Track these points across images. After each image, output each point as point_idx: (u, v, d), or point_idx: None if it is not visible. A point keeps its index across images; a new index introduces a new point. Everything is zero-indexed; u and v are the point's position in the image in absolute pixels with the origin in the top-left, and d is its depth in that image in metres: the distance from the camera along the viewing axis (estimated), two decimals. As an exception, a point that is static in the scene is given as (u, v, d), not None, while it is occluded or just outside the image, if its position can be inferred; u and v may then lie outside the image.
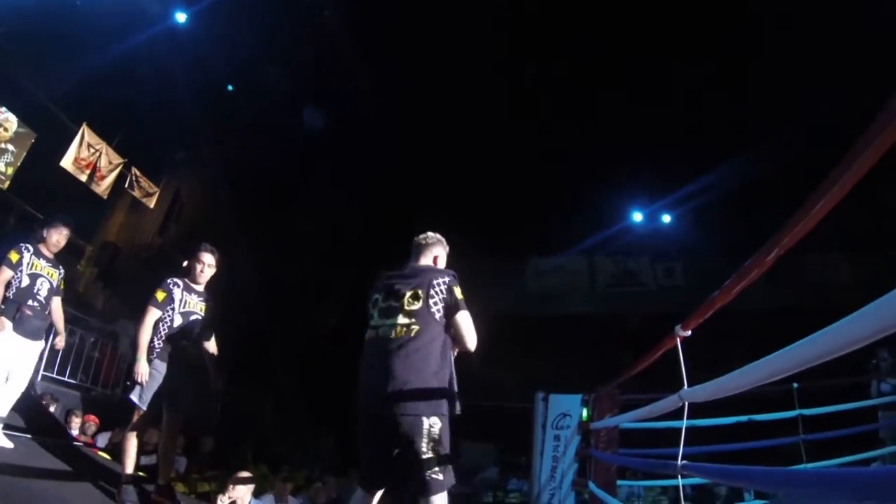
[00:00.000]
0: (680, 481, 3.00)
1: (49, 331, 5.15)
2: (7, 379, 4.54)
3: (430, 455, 2.71)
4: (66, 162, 11.30)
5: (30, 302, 4.66)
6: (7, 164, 11.03)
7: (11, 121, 10.96)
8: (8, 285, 4.60)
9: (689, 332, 2.89)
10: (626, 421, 4.87)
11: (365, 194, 14.56)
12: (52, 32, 10.32)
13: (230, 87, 13.28)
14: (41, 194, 11.06)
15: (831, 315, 1.41)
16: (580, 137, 12.57)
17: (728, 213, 12.74)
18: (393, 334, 2.94)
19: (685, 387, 2.73)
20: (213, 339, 4.54)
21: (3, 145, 10.93)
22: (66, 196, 11.09)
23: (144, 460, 6.60)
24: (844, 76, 9.41)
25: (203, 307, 4.51)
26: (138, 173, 12.92)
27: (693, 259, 14.43)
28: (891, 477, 1.33)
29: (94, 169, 11.85)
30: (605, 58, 11.29)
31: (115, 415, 5.09)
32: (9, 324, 4.50)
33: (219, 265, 4.62)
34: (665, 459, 3.04)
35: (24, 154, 11.21)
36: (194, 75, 12.21)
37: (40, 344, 4.83)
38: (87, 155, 11.65)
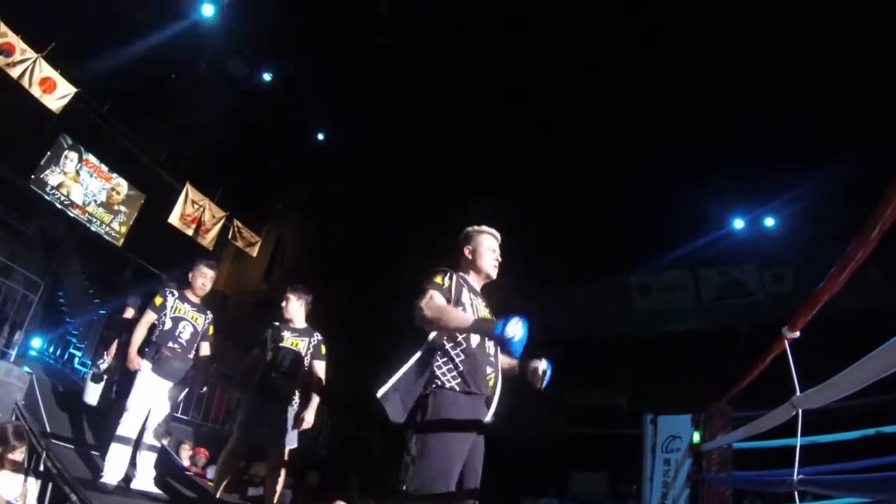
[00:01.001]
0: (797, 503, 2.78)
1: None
2: (147, 417, 4.53)
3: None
4: (174, 218, 12.33)
5: (170, 344, 4.67)
6: (121, 224, 12.28)
7: (122, 185, 12.27)
8: (152, 328, 4.69)
9: (798, 333, 2.69)
10: (738, 438, 4.56)
11: (457, 223, 14.72)
12: (152, 102, 11.49)
13: (321, 136, 13.94)
14: (152, 249, 12.08)
15: None
16: (669, 148, 12.23)
17: (837, 209, 11.86)
18: None
19: (798, 393, 2.55)
20: (305, 374, 4.59)
21: (116, 207, 12.13)
22: (174, 250, 12.01)
23: (252, 491, 6.90)
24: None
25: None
26: (240, 224, 13.81)
27: (803, 262, 13.49)
28: None
29: (199, 223, 12.81)
30: (699, 53, 10.91)
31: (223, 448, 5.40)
32: (147, 364, 4.54)
33: (304, 301, 4.75)
34: (778, 480, 2.81)
35: (136, 214, 12.39)
36: (285, 128, 13.03)
37: (180, 387, 4.78)
38: (191, 211, 12.64)
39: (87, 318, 10.13)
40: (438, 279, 2.75)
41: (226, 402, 9.86)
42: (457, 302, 2.75)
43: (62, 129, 11.17)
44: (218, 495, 4.40)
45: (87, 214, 11.76)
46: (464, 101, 12.60)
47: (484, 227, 3.05)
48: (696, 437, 6.22)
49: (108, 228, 12.12)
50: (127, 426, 4.33)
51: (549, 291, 14.35)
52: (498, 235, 3.06)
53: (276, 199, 15.26)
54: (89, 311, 10.47)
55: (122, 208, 12.35)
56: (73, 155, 11.49)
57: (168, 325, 4.70)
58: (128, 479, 4.43)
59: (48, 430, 4.78)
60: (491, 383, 2.79)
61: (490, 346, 2.81)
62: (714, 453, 5.67)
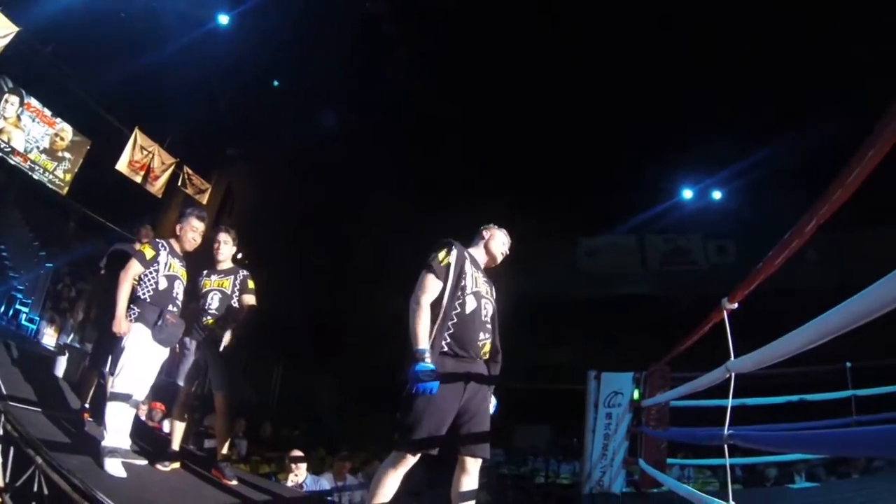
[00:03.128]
0: (727, 460, 3.07)
1: None
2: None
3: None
4: (121, 165, 11.88)
5: (171, 307, 4.16)
6: (65, 172, 11.73)
7: (67, 130, 11.66)
8: (141, 285, 4.11)
9: (736, 305, 2.93)
10: (676, 397, 4.90)
11: (416, 178, 14.69)
12: (98, 43, 10.85)
13: (276, 83, 13.59)
14: (99, 198, 11.66)
15: None
16: (628, 115, 12.43)
17: (782, 189, 12.42)
18: None
19: (732, 358, 2.80)
20: (235, 313, 4.47)
21: (60, 154, 11.60)
22: (122, 198, 11.66)
23: (208, 443, 6.97)
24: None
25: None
26: (190, 172, 13.46)
27: (746, 236, 14.13)
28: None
29: (148, 170, 12.41)
30: (658, 34, 11.12)
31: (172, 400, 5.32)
32: (144, 330, 4.01)
33: (234, 242, 4.60)
34: (712, 432, 3.09)
35: (81, 161, 11.86)
36: (239, 73, 12.59)
37: (167, 352, 4.27)
38: (140, 157, 12.22)
39: (33, 273, 9.83)
40: (442, 255, 3.07)
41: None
42: (459, 273, 3.07)
43: (2, 71, 10.40)
44: (176, 448, 4.36)
45: (28, 162, 11.08)
46: (427, 55, 12.48)
47: (503, 229, 3.48)
48: (636, 393, 6.60)
49: (51, 176, 11.49)
50: (123, 383, 3.89)
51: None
52: (509, 240, 3.49)
53: (227, 146, 14.86)
54: (35, 264, 10.16)
55: (67, 155, 11.75)
56: (14, 99, 10.73)
57: (163, 284, 4.16)
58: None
59: (3, 391, 4.47)
60: (486, 348, 3.14)
61: (485, 312, 3.14)
62: (653, 409, 6.07)
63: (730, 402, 2.87)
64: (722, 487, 7.77)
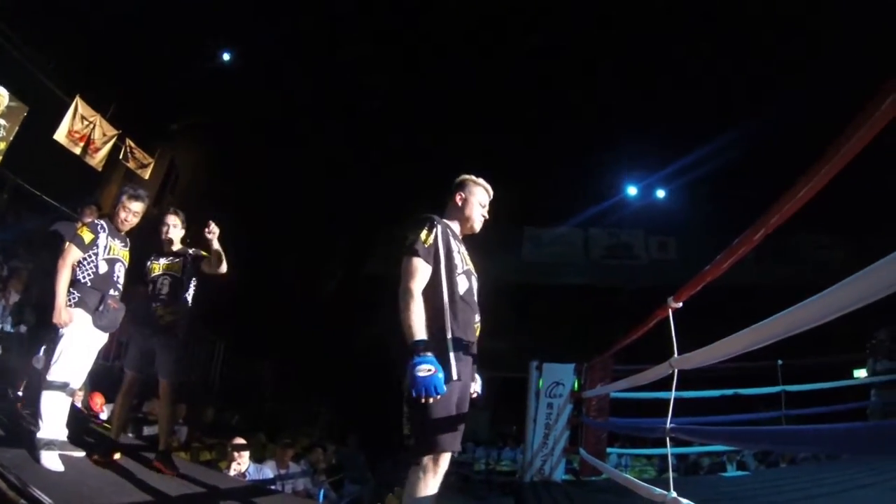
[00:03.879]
0: (669, 449, 3.18)
1: None
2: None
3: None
4: (60, 135, 11.22)
5: (112, 292, 4.01)
6: None
7: (3, 94, 10.92)
8: (81, 269, 3.92)
9: (681, 304, 3.05)
10: (618, 389, 5.05)
11: (364, 159, 14.56)
12: (41, 4, 10.28)
13: (226, 56, 13.20)
14: (34, 169, 11.05)
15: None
16: (578, 110, 12.60)
17: (722, 190, 12.93)
18: None
19: (675, 355, 2.91)
20: (186, 298, 4.40)
21: None
22: (59, 170, 11.10)
23: (147, 430, 6.78)
24: (845, 52, 9.51)
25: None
26: (133, 145, 12.90)
27: (686, 234, 14.65)
28: (861, 430, 1.48)
29: (88, 141, 11.78)
30: (604, 31, 11.29)
31: (116, 387, 4.99)
32: (84, 316, 3.83)
33: (182, 225, 4.52)
34: (654, 425, 3.21)
35: (16, 129, 11.18)
36: (188, 44, 12.15)
37: (106, 338, 4.09)
38: (80, 127, 11.58)
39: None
40: (424, 235, 2.67)
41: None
42: (448, 253, 2.71)
43: (-71, 30, 9.75)
44: (116, 437, 4.19)
45: (-42, 128, 10.46)
46: (379, 40, 12.35)
47: (480, 180, 3.04)
48: (577, 384, 6.75)
49: (-17, 144, 10.85)
50: (61, 371, 3.70)
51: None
52: (490, 192, 3.07)
53: (172, 120, 14.35)
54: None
55: (1, 122, 11.09)
56: (-57, 60, 10.08)
57: (103, 268, 3.99)
58: None
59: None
60: (477, 332, 2.84)
61: (476, 290, 2.85)
62: (593, 400, 6.24)
63: (672, 395, 2.99)
64: (658, 474, 8.10)
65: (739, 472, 7.44)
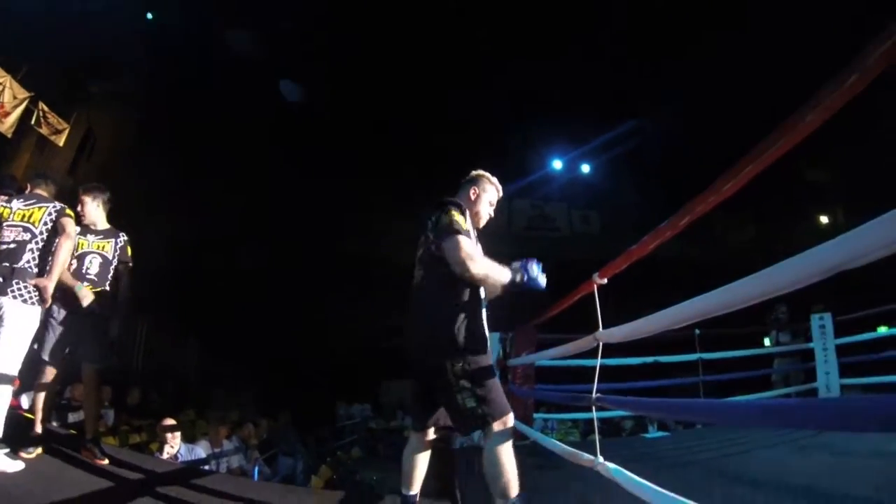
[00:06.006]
0: (594, 414, 3.39)
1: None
2: None
3: (460, 393, 2.60)
4: (-35, 98, 10.50)
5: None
6: None
7: None
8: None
9: (605, 280, 3.22)
10: (547, 358, 5.24)
11: (291, 131, 14.25)
12: None
13: (149, 16, 12.54)
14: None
15: (732, 269, 1.67)
16: (508, 83, 12.76)
17: (645, 167, 13.42)
18: (414, 283, 2.92)
19: (600, 329, 3.08)
20: (108, 280, 4.23)
21: None
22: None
23: (73, 417, 6.49)
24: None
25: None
26: (46, 109, 12.13)
27: (608, 208, 15.12)
28: (770, 406, 1.65)
29: (-2, 105, 11.07)
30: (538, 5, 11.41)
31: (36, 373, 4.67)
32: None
33: (103, 204, 4.36)
34: (581, 394, 3.40)
35: (-83, 91, 10.33)
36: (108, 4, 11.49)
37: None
38: (-12, 91, 10.85)
39: None
40: (461, 221, 2.73)
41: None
42: (476, 239, 2.86)
43: None
44: (38, 427, 4.03)
45: None
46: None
47: (494, 180, 3.15)
48: (501, 352, 6.93)
49: None
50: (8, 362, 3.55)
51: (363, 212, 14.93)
52: (501, 192, 3.18)
53: (90, 83, 13.53)
54: None
55: None
56: None
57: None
58: None
59: None
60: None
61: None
62: (519, 368, 6.45)
63: (598, 365, 3.17)
64: (583, 438, 8.49)
65: (660, 433, 7.89)
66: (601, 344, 3.08)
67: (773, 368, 7.89)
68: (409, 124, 13.63)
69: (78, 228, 4.14)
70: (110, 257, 4.23)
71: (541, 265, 2.77)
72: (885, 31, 1.18)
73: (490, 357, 2.71)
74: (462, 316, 2.68)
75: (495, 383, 2.66)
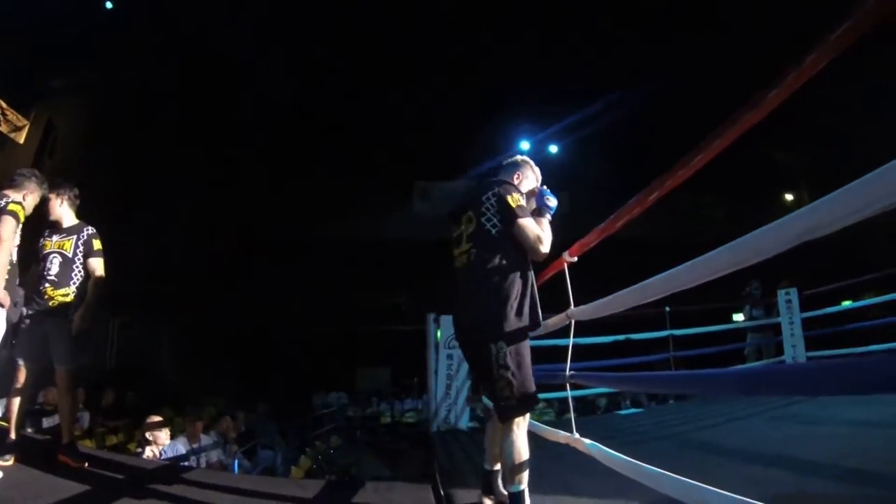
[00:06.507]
0: (569, 392, 3.44)
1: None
2: None
3: (499, 381, 2.63)
4: (-81, 96, 10.17)
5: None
6: None
7: None
8: None
9: (575, 258, 3.27)
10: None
11: (257, 122, 14.06)
12: None
13: (108, 5, 12.18)
14: None
15: (702, 248, 1.71)
16: (472, 64, 12.69)
17: (613, 147, 13.54)
18: (460, 263, 2.94)
19: (572, 307, 3.13)
20: (76, 278, 4.08)
21: None
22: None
23: (48, 422, 6.31)
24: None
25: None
26: (5, 105, 11.81)
27: (578, 189, 15.20)
28: (732, 374, 1.70)
29: (-48, 102, 10.75)
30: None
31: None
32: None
33: (69, 201, 4.16)
34: (555, 372, 3.45)
35: None
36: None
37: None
38: (-57, 86, 10.52)
39: None
40: (522, 203, 2.86)
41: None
42: None
43: None
44: (13, 434, 3.85)
45: None
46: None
47: (536, 169, 3.21)
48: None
49: None
50: None
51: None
52: (540, 179, 3.23)
53: (50, 77, 13.16)
54: None
55: None
56: None
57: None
58: None
59: None
60: None
61: None
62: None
63: (571, 343, 3.23)
64: (558, 416, 8.60)
65: (634, 410, 8.05)
66: (573, 322, 3.14)
67: (746, 343, 8.09)
68: (377, 100, 13.54)
69: (47, 230, 4.09)
70: (70, 255, 4.06)
71: (549, 191, 3.04)
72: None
73: (527, 343, 2.76)
74: (520, 294, 2.73)
75: (529, 374, 2.70)
